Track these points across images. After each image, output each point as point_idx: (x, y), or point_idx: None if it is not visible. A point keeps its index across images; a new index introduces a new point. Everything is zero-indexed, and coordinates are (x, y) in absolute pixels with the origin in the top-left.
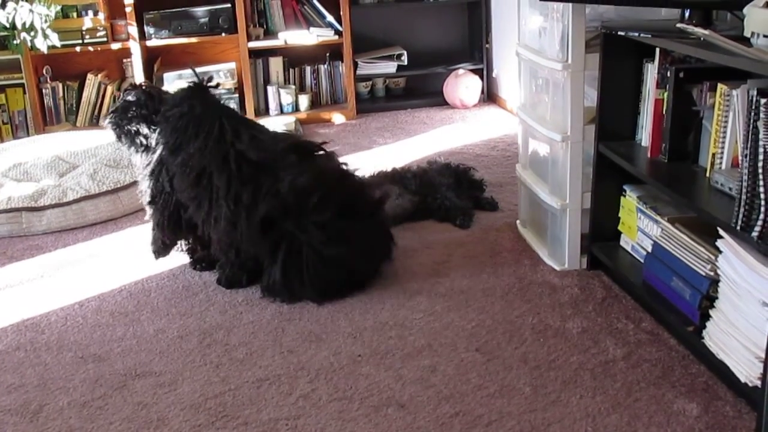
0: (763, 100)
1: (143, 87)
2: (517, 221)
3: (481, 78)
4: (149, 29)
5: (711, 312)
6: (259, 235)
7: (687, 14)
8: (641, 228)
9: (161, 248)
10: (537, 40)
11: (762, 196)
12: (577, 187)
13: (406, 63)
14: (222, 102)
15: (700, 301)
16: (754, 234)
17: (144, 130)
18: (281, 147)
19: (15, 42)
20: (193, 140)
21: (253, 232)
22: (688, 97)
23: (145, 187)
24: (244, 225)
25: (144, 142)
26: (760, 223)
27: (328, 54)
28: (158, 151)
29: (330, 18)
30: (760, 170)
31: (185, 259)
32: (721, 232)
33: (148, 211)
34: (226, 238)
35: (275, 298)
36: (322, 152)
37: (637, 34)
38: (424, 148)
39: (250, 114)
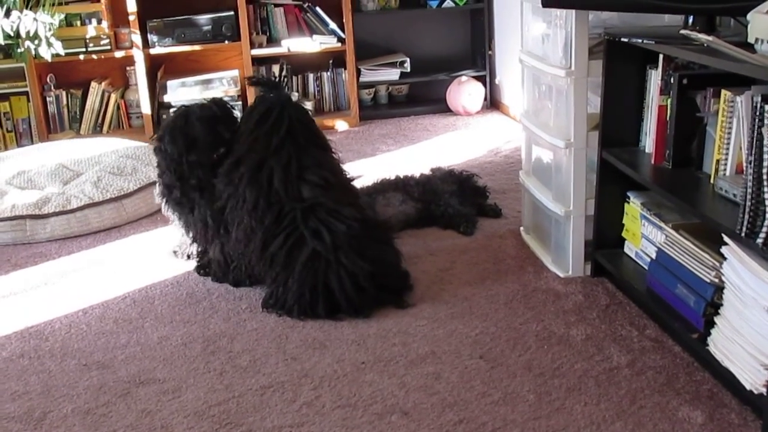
0: (767, 106)
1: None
2: (521, 228)
3: (484, 85)
4: (152, 37)
5: (716, 319)
6: (265, 258)
7: (690, 20)
8: (645, 235)
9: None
10: (540, 46)
11: (767, 202)
12: (581, 193)
13: (408, 70)
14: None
15: (704, 308)
16: (759, 240)
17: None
18: (310, 195)
19: (19, 50)
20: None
21: (260, 253)
22: (692, 104)
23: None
24: (258, 245)
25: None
26: (765, 229)
27: (330, 61)
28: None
29: (333, 25)
30: (765, 176)
31: (189, 266)
32: (726, 238)
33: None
34: (242, 245)
35: (279, 312)
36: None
37: (640, 40)
38: (427, 155)
39: None
